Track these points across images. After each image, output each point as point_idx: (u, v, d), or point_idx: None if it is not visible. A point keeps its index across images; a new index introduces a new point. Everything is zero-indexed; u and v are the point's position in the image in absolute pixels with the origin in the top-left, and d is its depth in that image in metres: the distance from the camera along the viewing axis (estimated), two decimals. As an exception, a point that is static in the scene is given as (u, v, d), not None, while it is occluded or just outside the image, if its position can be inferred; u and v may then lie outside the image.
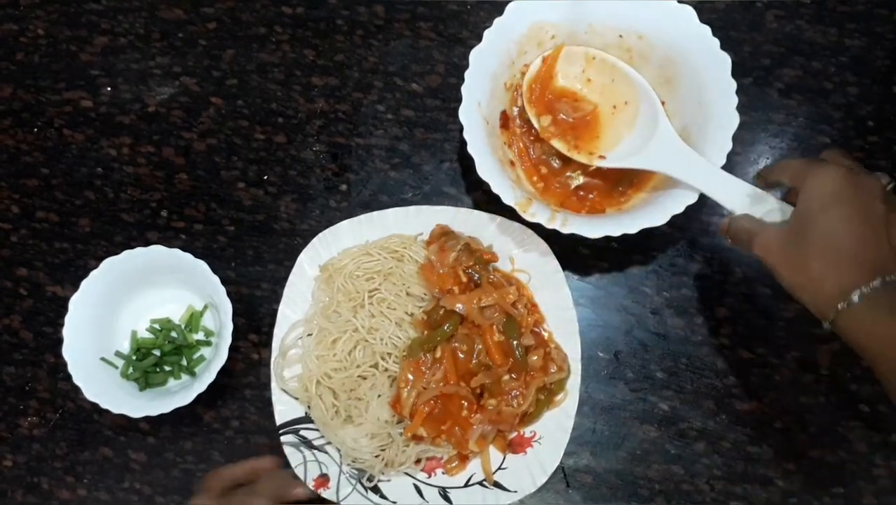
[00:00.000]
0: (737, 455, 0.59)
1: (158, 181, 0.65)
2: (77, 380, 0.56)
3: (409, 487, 0.57)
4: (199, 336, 0.62)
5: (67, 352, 0.57)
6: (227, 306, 0.57)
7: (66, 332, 0.57)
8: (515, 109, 0.61)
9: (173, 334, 0.61)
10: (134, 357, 0.60)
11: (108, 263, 0.58)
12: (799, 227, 0.45)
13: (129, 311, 0.61)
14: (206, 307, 0.62)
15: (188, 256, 0.58)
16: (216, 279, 0.57)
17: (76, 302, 0.58)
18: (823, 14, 0.65)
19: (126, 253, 0.58)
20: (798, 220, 0.45)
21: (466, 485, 0.57)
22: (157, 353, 0.60)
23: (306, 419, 0.58)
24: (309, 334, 0.59)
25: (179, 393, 0.57)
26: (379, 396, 0.57)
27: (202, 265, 0.58)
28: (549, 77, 0.61)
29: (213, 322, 0.62)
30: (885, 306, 0.42)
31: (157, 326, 0.61)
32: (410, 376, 0.56)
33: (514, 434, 0.57)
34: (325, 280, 0.59)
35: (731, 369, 0.60)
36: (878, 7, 0.65)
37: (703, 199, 0.54)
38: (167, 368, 0.60)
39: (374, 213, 0.60)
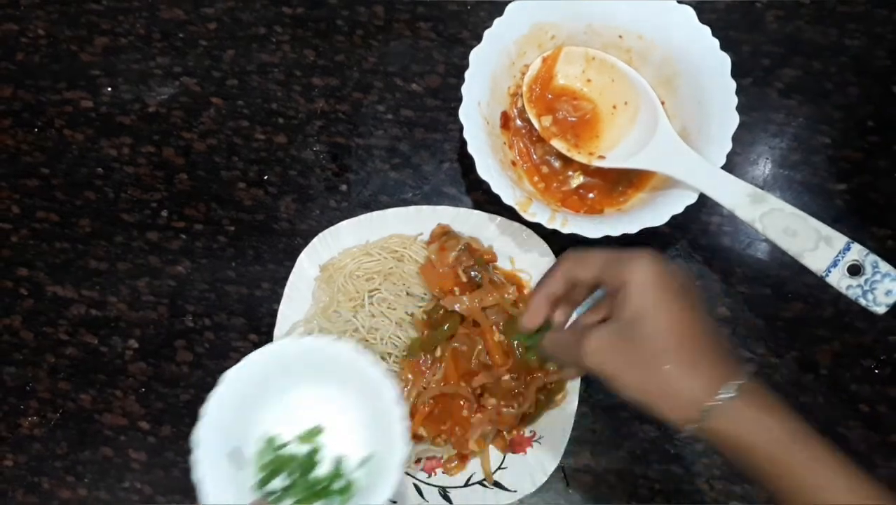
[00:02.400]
0: (737, 455, 0.59)
1: (159, 181, 0.65)
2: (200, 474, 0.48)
3: (409, 487, 0.57)
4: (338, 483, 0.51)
5: (203, 431, 0.48)
6: (396, 469, 0.47)
7: (208, 409, 0.49)
8: (515, 110, 0.61)
9: (309, 478, 0.51)
10: (262, 474, 0.50)
11: (284, 343, 0.51)
12: (636, 326, 0.40)
13: (285, 403, 0.52)
14: (367, 458, 0.51)
15: (378, 369, 0.49)
16: (397, 413, 0.48)
17: (232, 377, 0.49)
18: (823, 14, 0.66)
19: (310, 340, 0.51)
20: (632, 317, 0.40)
21: (466, 484, 0.57)
22: (284, 480, 0.51)
23: (306, 419, 0.58)
24: (309, 334, 0.59)
25: None
26: (379, 395, 0.57)
27: (390, 388, 0.49)
28: (550, 77, 0.61)
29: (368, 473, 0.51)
30: (758, 403, 0.39)
31: (288, 452, 0.51)
32: (410, 376, 0.56)
33: (514, 434, 0.58)
34: (326, 280, 0.59)
35: (730, 369, 0.60)
36: (878, 7, 0.65)
37: (702, 200, 0.54)
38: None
39: (375, 213, 0.60)
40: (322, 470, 0.51)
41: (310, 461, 0.51)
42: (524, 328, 0.48)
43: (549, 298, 0.46)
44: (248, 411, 0.51)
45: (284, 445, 0.52)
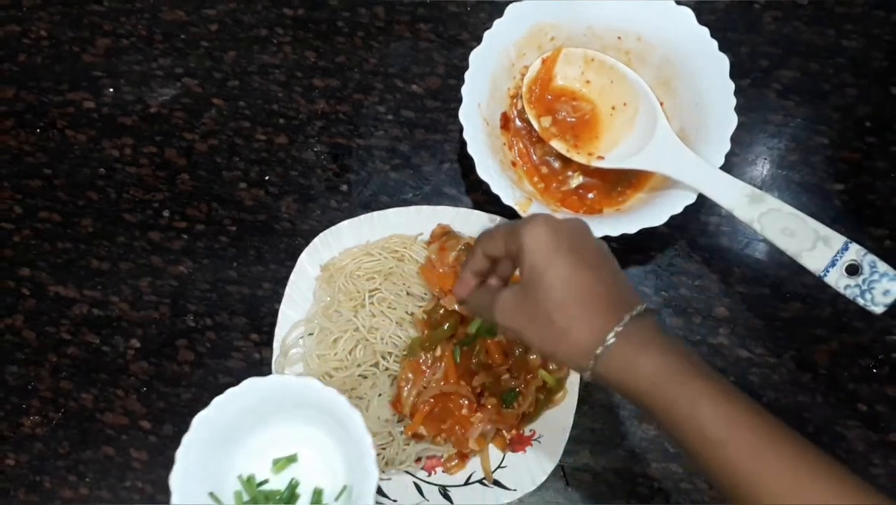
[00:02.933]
0: (735, 454, 0.59)
1: (160, 182, 0.65)
2: None
3: (409, 486, 0.57)
4: None
5: (175, 479, 0.49)
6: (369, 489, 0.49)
7: (180, 454, 0.49)
8: (515, 111, 0.61)
9: None
10: None
11: (249, 383, 0.51)
12: (532, 286, 0.43)
13: (255, 444, 0.53)
14: (343, 489, 0.53)
15: (343, 400, 0.50)
16: (367, 441, 0.49)
17: (201, 421, 0.50)
18: (821, 15, 0.66)
19: (274, 379, 0.52)
20: (529, 278, 0.43)
21: (466, 483, 0.57)
22: None
23: (307, 418, 0.59)
24: (310, 334, 0.59)
25: None
26: (379, 395, 0.57)
27: (356, 417, 0.50)
28: (549, 79, 0.61)
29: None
30: (636, 343, 0.41)
31: (268, 489, 0.53)
32: (411, 376, 0.56)
33: (514, 433, 0.58)
34: (326, 280, 0.60)
35: (729, 369, 0.60)
36: (876, 8, 0.66)
37: (701, 200, 0.54)
38: None
39: (375, 213, 0.61)
40: (302, 504, 0.53)
41: (291, 495, 0.53)
42: (456, 297, 0.51)
43: (476, 273, 0.49)
44: (222, 453, 0.52)
45: (263, 483, 0.53)
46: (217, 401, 0.51)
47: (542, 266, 0.43)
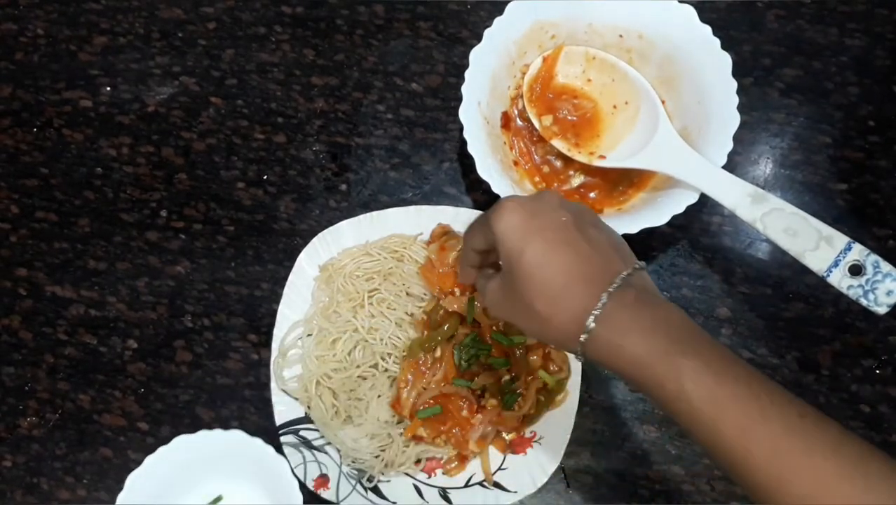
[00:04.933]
0: (737, 455, 0.59)
1: (158, 181, 0.65)
2: None
3: (409, 488, 0.57)
4: None
5: None
6: None
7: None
8: (516, 110, 0.61)
9: None
10: None
11: (180, 440, 0.55)
12: (510, 274, 0.42)
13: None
14: None
15: (269, 450, 0.54)
16: (296, 488, 0.53)
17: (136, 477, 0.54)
18: (824, 14, 0.66)
19: (203, 434, 0.55)
20: (507, 267, 0.43)
21: (466, 485, 0.57)
22: None
23: (306, 419, 0.58)
24: (309, 334, 0.59)
25: None
26: (379, 396, 0.57)
27: (284, 463, 0.54)
28: (550, 77, 0.61)
29: None
30: (617, 324, 0.40)
31: None
32: (410, 377, 0.56)
33: (514, 435, 0.57)
34: (325, 280, 0.59)
35: (731, 369, 0.60)
36: (879, 7, 0.65)
37: (703, 199, 0.54)
38: None
39: (374, 213, 0.60)
40: None
41: None
42: (461, 284, 0.52)
43: (472, 264, 0.49)
44: None
45: None
46: (149, 460, 0.54)
47: (516, 252, 0.42)
